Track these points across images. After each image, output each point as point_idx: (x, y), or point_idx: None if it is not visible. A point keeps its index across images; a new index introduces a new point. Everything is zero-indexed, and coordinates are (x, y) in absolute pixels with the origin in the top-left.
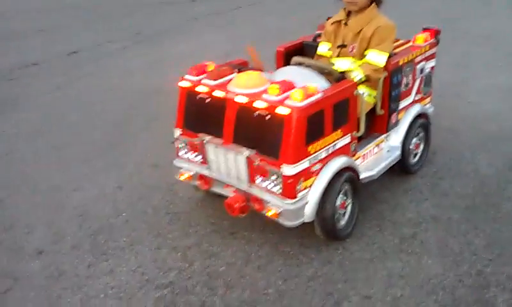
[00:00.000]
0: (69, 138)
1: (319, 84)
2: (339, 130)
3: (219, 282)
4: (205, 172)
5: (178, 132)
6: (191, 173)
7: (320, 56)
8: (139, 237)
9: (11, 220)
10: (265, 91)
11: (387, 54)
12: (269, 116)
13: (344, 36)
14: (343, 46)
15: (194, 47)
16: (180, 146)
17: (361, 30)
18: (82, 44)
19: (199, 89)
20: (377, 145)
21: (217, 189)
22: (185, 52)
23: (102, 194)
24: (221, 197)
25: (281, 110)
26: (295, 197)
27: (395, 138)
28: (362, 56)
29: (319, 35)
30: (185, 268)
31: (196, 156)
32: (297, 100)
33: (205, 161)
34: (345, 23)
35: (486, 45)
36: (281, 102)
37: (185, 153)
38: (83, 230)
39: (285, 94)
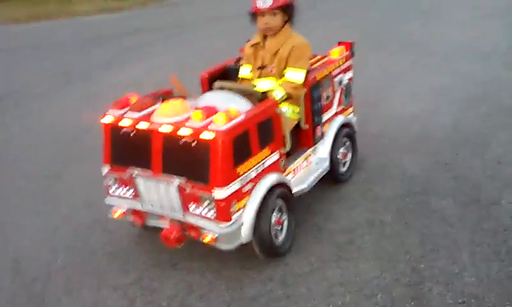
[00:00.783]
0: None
1: (241, 106)
2: (266, 148)
3: None
4: (138, 206)
5: (106, 169)
6: (124, 209)
7: (243, 79)
8: (78, 281)
9: None
10: (189, 118)
11: (304, 71)
12: (195, 142)
13: (263, 58)
14: (263, 67)
15: (123, 81)
16: (109, 183)
17: (277, 50)
18: (7, 88)
19: (123, 123)
20: (306, 159)
21: (152, 222)
22: (115, 87)
23: (38, 239)
24: (158, 230)
25: (206, 135)
26: (230, 219)
27: (322, 150)
28: (281, 75)
29: (240, 58)
30: None
31: (127, 191)
32: (220, 123)
33: (136, 195)
34: (263, 46)
35: (405, 50)
36: (205, 127)
37: (116, 189)
38: (18, 281)
39: (209, 119)
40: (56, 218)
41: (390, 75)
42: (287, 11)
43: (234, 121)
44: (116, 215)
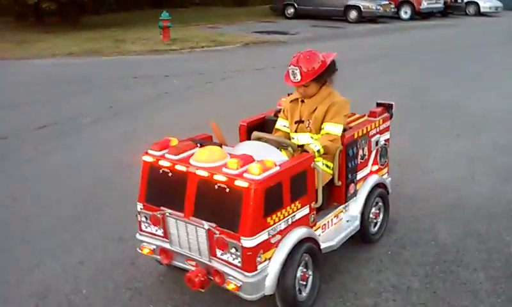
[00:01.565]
0: (35, 212)
1: (276, 158)
2: (297, 202)
3: None
4: (167, 245)
5: (140, 206)
6: (153, 247)
7: (278, 130)
8: None
9: None
10: (225, 165)
11: (342, 125)
12: (228, 189)
13: (301, 113)
14: (300, 121)
15: (165, 120)
16: (142, 219)
17: (315, 108)
18: (53, 118)
19: (161, 163)
20: (337, 215)
21: (178, 263)
22: (156, 126)
23: (63, 270)
24: (184, 271)
25: (240, 183)
26: (255, 269)
27: (354, 208)
28: (318, 131)
29: (279, 111)
30: None
31: (157, 230)
32: (255, 173)
33: (166, 235)
34: (302, 101)
35: (443, 115)
36: (239, 175)
37: (147, 226)
38: None
39: (244, 168)
40: (84, 250)
41: (426, 139)
42: (323, 76)
43: (268, 172)
44: (144, 252)
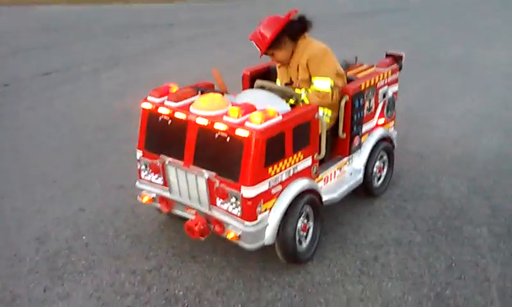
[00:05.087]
0: (36, 159)
1: (279, 107)
2: (300, 153)
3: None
4: (166, 194)
5: (139, 154)
6: (152, 195)
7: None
8: (98, 261)
9: None
10: (226, 114)
11: (329, 78)
12: (228, 138)
13: (289, 74)
14: (290, 83)
15: (168, 69)
16: (141, 167)
17: (298, 66)
18: (54, 66)
19: (161, 110)
20: (340, 168)
21: (178, 211)
22: (159, 75)
23: (64, 217)
24: (183, 219)
25: (241, 133)
26: (255, 219)
27: (357, 161)
28: (310, 85)
29: None
30: (143, 293)
31: (157, 178)
32: (256, 122)
33: (166, 183)
34: (288, 64)
35: (453, 71)
36: (241, 124)
37: (147, 174)
38: (41, 253)
39: (245, 117)
40: (85, 198)
41: (436, 94)
42: (286, 38)
43: (270, 122)
44: (144, 200)
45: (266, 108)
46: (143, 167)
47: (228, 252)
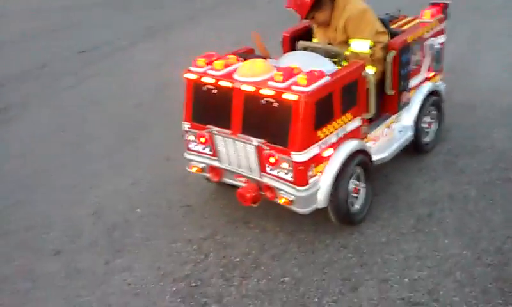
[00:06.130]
0: (83, 136)
1: (326, 68)
2: (349, 113)
3: (235, 273)
4: (216, 163)
5: (186, 125)
6: (202, 165)
7: None
8: (154, 232)
9: (30, 221)
10: (271, 78)
11: (368, 40)
12: (276, 103)
13: (329, 37)
14: (329, 44)
15: (204, 37)
16: (189, 138)
17: (336, 27)
18: (90, 43)
19: (205, 79)
20: (388, 126)
21: (228, 180)
22: (195, 43)
23: (117, 191)
24: (234, 187)
25: (288, 96)
26: (307, 183)
27: (407, 118)
28: (347, 45)
29: None
30: (200, 261)
31: (205, 148)
32: (304, 85)
33: (214, 153)
34: (328, 25)
35: (498, 17)
36: (288, 88)
37: (195, 145)
38: (99, 227)
39: (292, 80)
40: (135, 171)
41: (481, 40)
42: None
43: (318, 83)
44: (193, 170)
45: (312, 69)
46: (191, 138)
47: (281, 217)
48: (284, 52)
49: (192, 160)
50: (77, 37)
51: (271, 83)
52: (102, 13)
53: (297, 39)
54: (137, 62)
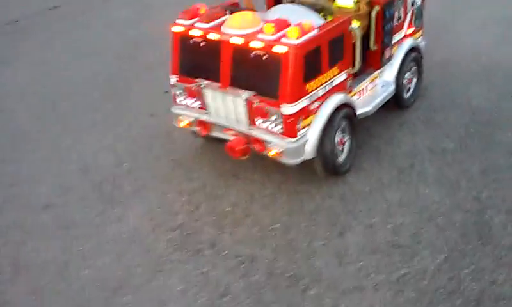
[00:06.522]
0: (62, 93)
1: (313, 20)
2: (335, 67)
3: (227, 221)
4: (204, 117)
5: (174, 79)
6: (190, 119)
7: None
8: (144, 185)
9: (14, 177)
10: (260, 31)
11: None
12: (266, 56)
13: None
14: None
15: None
16: (177, 92)
17: None
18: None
19: (192, 32)
20: (372, 81)
21: (217, 133)
22: (169, 1)
23: (102, 146)
24: (221, 141)
25: (278, 49)
26: (296, 135)
27: (389, 73)
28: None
29: None
30: (192, 211)
31: (194, 102)
32: (293, 37)
33: (203, 106)
34: None
35: None
36: (277, 41)
37: (183, 99)
38: (87, 182)
39: (281, 33)
40: (118, 127)
41: (455, 2)
42: None
43: (307, 36)
44: (182, 125)
45: (301, 22)
46: (178, 92)
47: (268, 169)
48: (268, 7)
49: (180, 115)
50: None
51: (260, 36)
52: None
53: None
54: (113, 18)
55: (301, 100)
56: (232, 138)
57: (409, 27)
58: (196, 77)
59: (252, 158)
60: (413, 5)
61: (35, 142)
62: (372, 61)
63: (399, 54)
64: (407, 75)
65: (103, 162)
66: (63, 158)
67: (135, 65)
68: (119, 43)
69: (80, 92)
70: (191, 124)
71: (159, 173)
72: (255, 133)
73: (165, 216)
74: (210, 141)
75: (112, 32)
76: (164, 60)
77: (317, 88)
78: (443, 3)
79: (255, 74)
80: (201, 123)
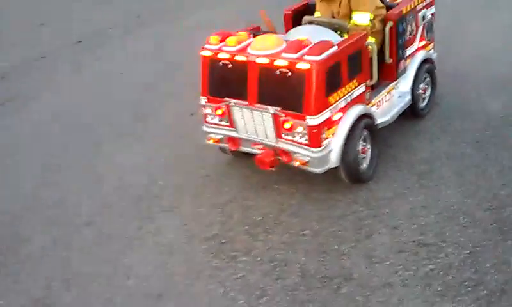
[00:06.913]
0: (94, 119)
1: (332, 38)
2: (354, 80)
3: (259, 230)
4: (233, 134)
5: (204, 100)
6: (219, 137)
7: None
8: (178, 200)
9: (55, 200)
10: (284, 50)
11: (368, 13)
12: (290, 73)
13: (332, 10)
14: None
15: (202, 21)
16: (207, 112)
17: (340, 2)
18: (84, 32)
19: (221, 55)
20: (389, 92)
21: (245, 148)
22: (188, 29)
23: (136, 166)
24: (248, 156)
25: (302, 66)
26: (320, 145)
27: (404, 84)
28: (349, 18)
29: None
30: (225, 222)
31: (222, 120)
32: (315, 54)
33: (231, 124)
34: None
35: None
36: (300, 58)
37: (212, 118)
38: (125, 200)
39: (303, 51)
40: (149, 149)
41: (465, 10)
42: None
43: (328, 52)
44: (211, 142)
45: (321, 40)
46: (208, 111)
47: (294, 180)
48: (286, 28)
49: (210, 133)
50: (67, 29)
51: (284, 54)
52: (83, 4)
53: (298, 16)
54: (132, 49)
55: (324, 112)
56: (259, 152)
57: (421, 40)
58: (225, 97)
59: (278, 171)
60: (423, 19)
61: (71, 167)
62: (388, 74)
63: (412, 66)
64: (421, 86)
65: (138, 181)
66: (99, 180)
67: (159, 92)
68: (141, 73)
69: (109, 119)
70: (219, 141)
71: (192, 189)
72: (282, 145)
73: (200, 227)
74: (237, 157)
75: (134, 63)
76: (186, 87)
77: (338, 100)
78: (450, 15)
79: (281, 90)
80: (231, 139)
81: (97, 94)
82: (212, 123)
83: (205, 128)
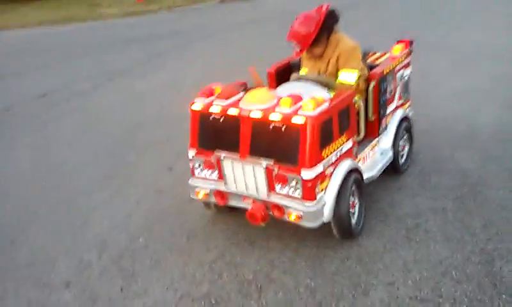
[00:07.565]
0: (64, 176)
1: (322, 94)
2: (344, 135)
3: (252, 288)
4: (222, 187)
5: (192, 153)
6: (207, 191)
7: None
8: (163, 257)
9: (29, 258)
10: (277, 105)
11: (356, 71)
12: (284, 127)
13: (319, 68)
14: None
15: (168, 78)
16: (195, 165)
17: (329, 60)
18: (51, 86)
19: (212, 109)
20: (372, 148)
21: (235, 203)
22: (157, 86)
23: (114, 223)
24: (232, 211)
25: (297, 120)
26: (315, 199)
27: (385, 141)
28: (335, 76)
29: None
30: (215, 280)
31: (211, 173)
32: (309, 109)
33: (221, 177)
34: (320, 57)
35: (437, 54)
36: (295, 113)
37: (201, 171)
38: (105, 258)
39: (297, 105)
40: (128, 205)
41: (427, 77)
42: (324, 32)
43: (321, 108)
44: (199, 196)
45: (314, 96)
46: (197, 165)
47: (283, 236)
48: (270, 86)
49: (197, 186)
50: (33, 82)
51: (277, 109)
52: (54, 59)
53: (281, 74)
54: (101, 105)
55: (318, 165)
56: (249, 206)
57: (399, 99)
58: (215, 149)
59: (266, 227)
60: (401, 79)
61: (45, 223)
62: (371, 130)
63: (393, 124)
64: (401, 142)
65: (118, 238)
66: (76, 237)
67: (133, 145)
68: (111, 127)
69: (83, 174)
70: (207, 195)
71: (176, 246)
72: (275, 199)
73: (189, 286)
74: (221, 212)
75: (103, 118)
76: (162, 140)
77: (330, 154)
78: (419, 80)
79: (274, 144)
80: (219, 193)
81: (65, 147)
82: (199, 177)
83: (191, 182)
